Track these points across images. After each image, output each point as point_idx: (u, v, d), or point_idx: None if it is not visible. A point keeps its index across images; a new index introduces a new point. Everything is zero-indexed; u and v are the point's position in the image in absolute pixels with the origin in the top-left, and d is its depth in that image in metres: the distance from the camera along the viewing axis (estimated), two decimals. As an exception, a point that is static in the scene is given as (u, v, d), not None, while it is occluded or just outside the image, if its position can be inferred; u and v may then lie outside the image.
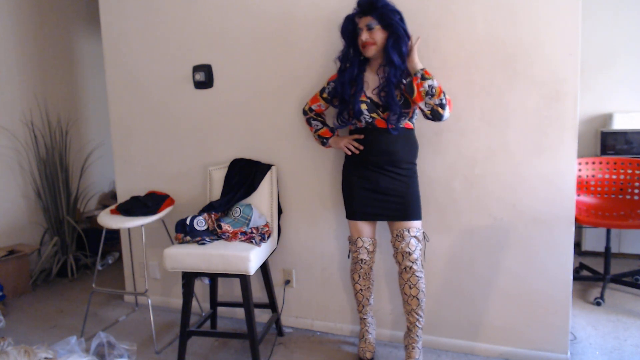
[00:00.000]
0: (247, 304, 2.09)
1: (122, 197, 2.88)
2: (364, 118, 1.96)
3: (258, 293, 2.59)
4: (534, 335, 2.10)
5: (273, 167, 2.43)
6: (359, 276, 2.12)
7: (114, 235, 3.41)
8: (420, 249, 1.99)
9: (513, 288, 2.11)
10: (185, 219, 2.20)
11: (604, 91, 3.55)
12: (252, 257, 2.05)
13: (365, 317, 2.21)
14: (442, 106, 1.86)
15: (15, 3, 3.39)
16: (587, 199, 2.95)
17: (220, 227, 2.22)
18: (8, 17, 3.35)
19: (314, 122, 2.20)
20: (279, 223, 2.45)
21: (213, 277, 2.42)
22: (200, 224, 2.21)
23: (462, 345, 2.23)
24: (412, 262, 1.95)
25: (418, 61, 1.89)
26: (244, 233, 2.20)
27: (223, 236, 2.19)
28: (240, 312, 2.68)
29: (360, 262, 2.09)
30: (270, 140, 2.48)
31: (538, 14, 1.93)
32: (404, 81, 1.89)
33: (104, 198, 4.21)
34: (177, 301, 2.84)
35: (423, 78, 1.85)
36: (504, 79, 2.01)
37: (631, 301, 2.72)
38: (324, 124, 2.19)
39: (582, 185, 2.97)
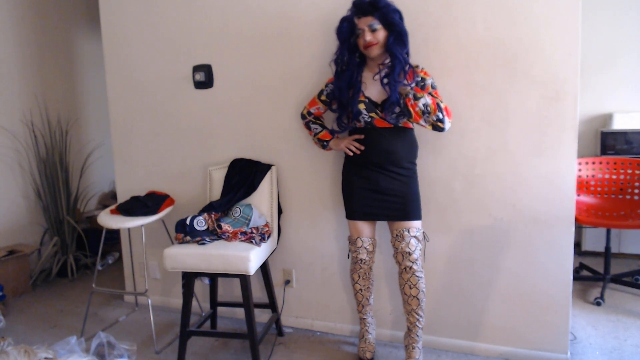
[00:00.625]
0: (247, 304, 2.09)
1: (122, 197, 2.88)
2: (363, 118, 1.96)
3: (258, 293, 2.59)
4: (534, 335, 2.10)
5: (273, 167, 2.43)
6: (359, 276, 2.12)
7: (114, 235, 3.41)
8: (420, 249, 1.99)
9: (513, 288, 2.11)
10: (185, 219, 2.20)
11: (604, 91, 3.55)
12: (252, 257, 2.05)
13: (365, 317, 2.21)
14: (440, 121, 1.87)
15: (15, 3, 3.39)
16: (587, 199, 2.95)
17: (220, 227, 2.22)
18: (8, 17, 3.35)
19: (312, 126, 2.20)
20: (279, 223, 2.45)
21: (213, 277, 2.43)
22: (200, 224, 2.21)
23: (462, 345, 2.23)
24: (412, 262, 1.95)
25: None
26: (244, 233, 2.20)
27: (223, 236, 2.19)
28: (240, 312, 2.68)
29: (359, 262, 2.09)
30: (270, 140, 2.48)
31: (538, 14, 1.93)
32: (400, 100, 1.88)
33: (104, 198, 4.21)
34: (177, 301, 2.84)
35: (415, 98, 1.84)
36: (504, 79, 2.01)
37: (631, 301, 2.72)
38: (323, 126, 2.19)
39: (582, 185, 2.97)
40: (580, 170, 2.97)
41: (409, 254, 1.95)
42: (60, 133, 3.57)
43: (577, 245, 3.52)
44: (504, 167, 2.06)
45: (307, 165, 2.41)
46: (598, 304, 2.68)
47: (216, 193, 2.48)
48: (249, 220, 2.25)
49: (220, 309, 2.64)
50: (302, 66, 2.34)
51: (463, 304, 2.20)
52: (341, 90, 1.97)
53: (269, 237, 2.27)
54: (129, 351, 2.22)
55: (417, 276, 1.96)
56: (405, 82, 1.88)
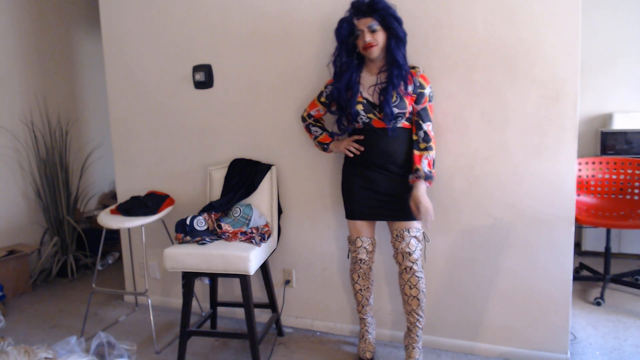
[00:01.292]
0: (247, 304, 2.09)
1: (122, 197, 2.88)
2: (361, 119, 1.96)
3: (258, 293, 2.59)
4: (534, 335, 2.10)
5: (273, 167, 2.43)
6: (359, 276, 2.12)
7: (114, 235, 3.40)
8: (420, 249, 1.99)
9: (513, 288, 2.11)
10: (185, 219, 2.20)
11: (604, 91, 3.55)
12: (252, 257, 2.05)
13: (365, 317, 2.21)
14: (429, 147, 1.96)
15: (15, 3, 3.39)
16: (587, 199, 2.95)
17: (220, 227, 2.22)
18: (8, 17, 3.35)
19: (313, 129, 2.20)
20: (279, 223, 2.45)
21: (213, 277, 2.42)
22: (200, 224, 2.21)
23: (462, 345, 2.23)
24: (412, 263, 1.95)
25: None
26: (244, 233, 2.20)
27: (223, 236, 2.19)
28: (240, 312, 2.68)
29: (359, 262, 2.09)
30: (270, 140, 2.48)
31: (538, 14, 1.93)
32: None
33: (104, 198, 4.21)
34: (177, 301, 2.84)
35: (418, 177, 1.92)
36: (504, 79, 2.01)
37: (631, 301, 2.72)
38: (323, 129, 2.19)
39: (582, 185, 2.97)
40: (580, 170, 2.97)
41: (409, 254, 1.95)
42: (60, 133, 3.58)
43: (577, 245, 3.52)
44: (504, 167, 2.06)
45: (307, 165, 2.41)
46: (598, 304, 2.67)
47: (216, 193, 2.48)
48: (249, 220, 2.25)
49: (220, 309, 2.64)
50: (302, 66, 2.34)
51: (463, 304, 2.20)
52: (340, 92, 1.97)
53: (269, 237, 2.27)
54: (129, 351, 2.22)
55: (417, 276, 1.96)
56: (403, 89, 1.88)
